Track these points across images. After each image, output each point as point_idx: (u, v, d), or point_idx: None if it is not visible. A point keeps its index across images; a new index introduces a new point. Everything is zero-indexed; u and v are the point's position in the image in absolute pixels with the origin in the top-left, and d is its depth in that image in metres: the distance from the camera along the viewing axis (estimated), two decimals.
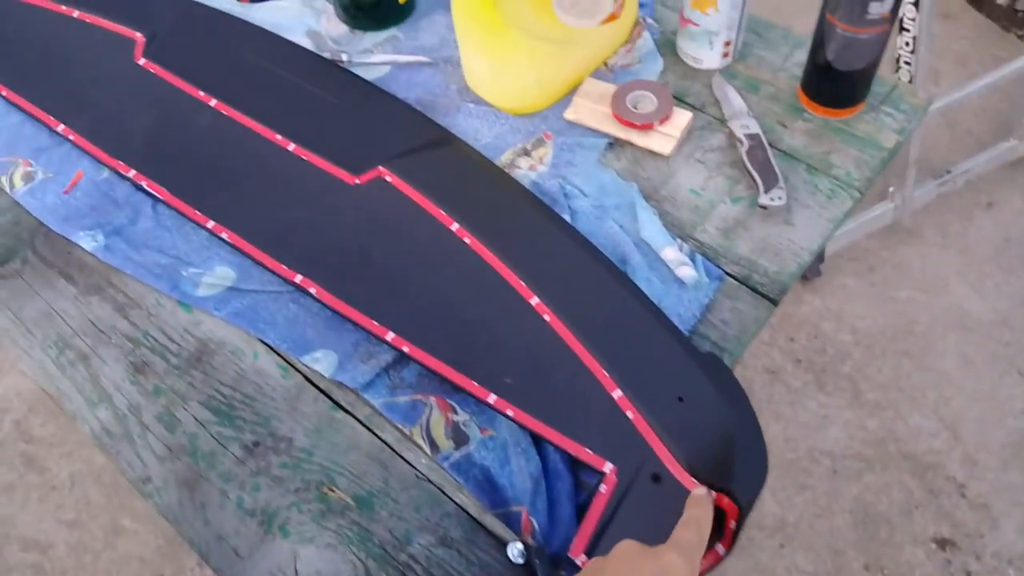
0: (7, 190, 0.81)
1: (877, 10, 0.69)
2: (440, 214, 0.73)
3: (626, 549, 0.48)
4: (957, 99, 1.53)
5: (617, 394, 0.60)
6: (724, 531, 0.54)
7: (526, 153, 0.80)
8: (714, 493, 0.55)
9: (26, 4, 0.94)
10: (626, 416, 0.59)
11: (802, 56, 0.83)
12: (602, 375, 0.61)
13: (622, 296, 0.65)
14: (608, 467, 0.58)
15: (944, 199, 1.68)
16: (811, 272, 1.59)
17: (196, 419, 0.66)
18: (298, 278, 0.71)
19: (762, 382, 1.48)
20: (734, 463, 0.55)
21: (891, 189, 1.57)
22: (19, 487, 1.49)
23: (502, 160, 0.79)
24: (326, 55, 0.89)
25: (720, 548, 0.54)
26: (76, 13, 0.92)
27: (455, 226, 0.72)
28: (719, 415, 0.58)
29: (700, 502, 0.52)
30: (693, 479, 0.56)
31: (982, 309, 1.54)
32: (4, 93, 0.87)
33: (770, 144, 0.76)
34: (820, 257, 1.57)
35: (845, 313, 1.56)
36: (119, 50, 0.89)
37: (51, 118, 0.84)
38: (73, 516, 1.45)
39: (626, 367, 0.61)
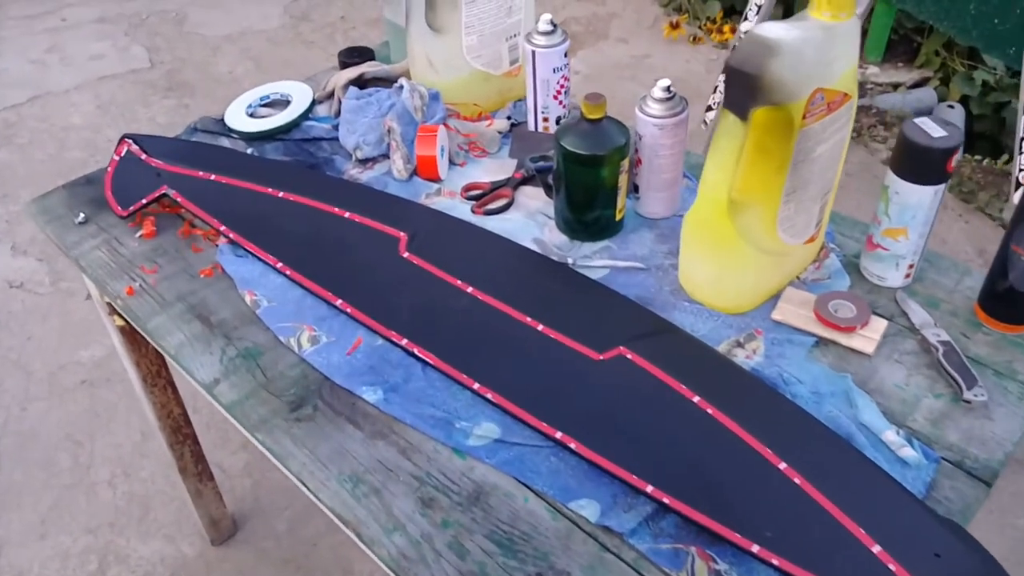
0: (295, 350, 0.96)
1: None
2: (681, 388, 0.85)
3: None
4: None
5: (877, 549, 0.69)
6: None
7: (740, 345, 0.93)
8: None
9: (303, 205, 1.14)
10: (889, 569, 0.68)
11: (971, 282, 0.97)
12: (859, 532, 0.71)
13: (861, 463, 0.76)
14: None
15: None
16: None
17: (483, 550, 0.76)
18: (558, 434, 0.83)
19: None
20: None
21: None
22: None
23: (719, 349, 0.93)
24: (553, 258, 1.07)
25: None
26: (347, 214, 1.12)
27: (697, 398, 0.84)
28: (974, 570, 0.66)
29: None
30: None
31: None
32: (288, 273, 1.05)
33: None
34: None
35: None
36: (386, 245, 1.07)
37: (330, 294, 1.01)
38: None
39: (880, 525, 0.71)
